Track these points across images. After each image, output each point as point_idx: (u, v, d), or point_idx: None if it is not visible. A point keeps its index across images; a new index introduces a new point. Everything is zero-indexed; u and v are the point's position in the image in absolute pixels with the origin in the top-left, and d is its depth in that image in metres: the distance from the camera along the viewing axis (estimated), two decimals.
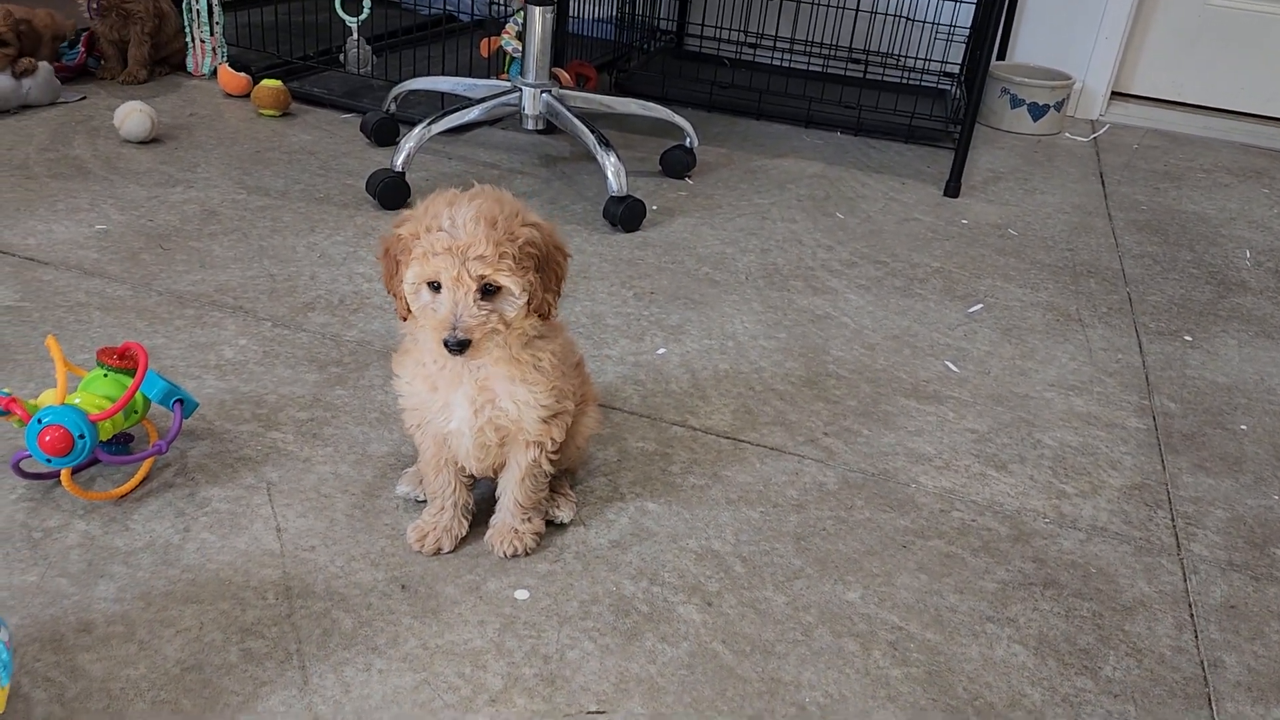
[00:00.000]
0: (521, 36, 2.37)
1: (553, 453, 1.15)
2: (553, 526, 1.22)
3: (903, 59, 3.25)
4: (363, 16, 2.62)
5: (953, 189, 2.44)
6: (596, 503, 1.28)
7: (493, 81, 2.27)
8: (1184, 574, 1.26)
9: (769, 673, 1.06)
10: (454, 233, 0.99)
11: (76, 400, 1.17)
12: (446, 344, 1.00)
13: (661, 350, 1.64)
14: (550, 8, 2.13)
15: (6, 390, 1.15)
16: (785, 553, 1.23)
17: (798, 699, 1.03)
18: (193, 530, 1.16)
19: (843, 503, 1.33)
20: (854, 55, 3.28)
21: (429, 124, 2.07)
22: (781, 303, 1.84)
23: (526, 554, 1.17)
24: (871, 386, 1.60)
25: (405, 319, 1.07)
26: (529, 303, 1.03)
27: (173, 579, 1.09)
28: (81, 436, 1.11)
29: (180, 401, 1.24)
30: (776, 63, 3.30)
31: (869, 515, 1.31)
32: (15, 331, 1.50)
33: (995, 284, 2.01)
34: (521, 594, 1.13)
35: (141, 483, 1.21)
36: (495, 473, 1.18)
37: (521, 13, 2.37)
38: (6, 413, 1.13)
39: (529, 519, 1.18)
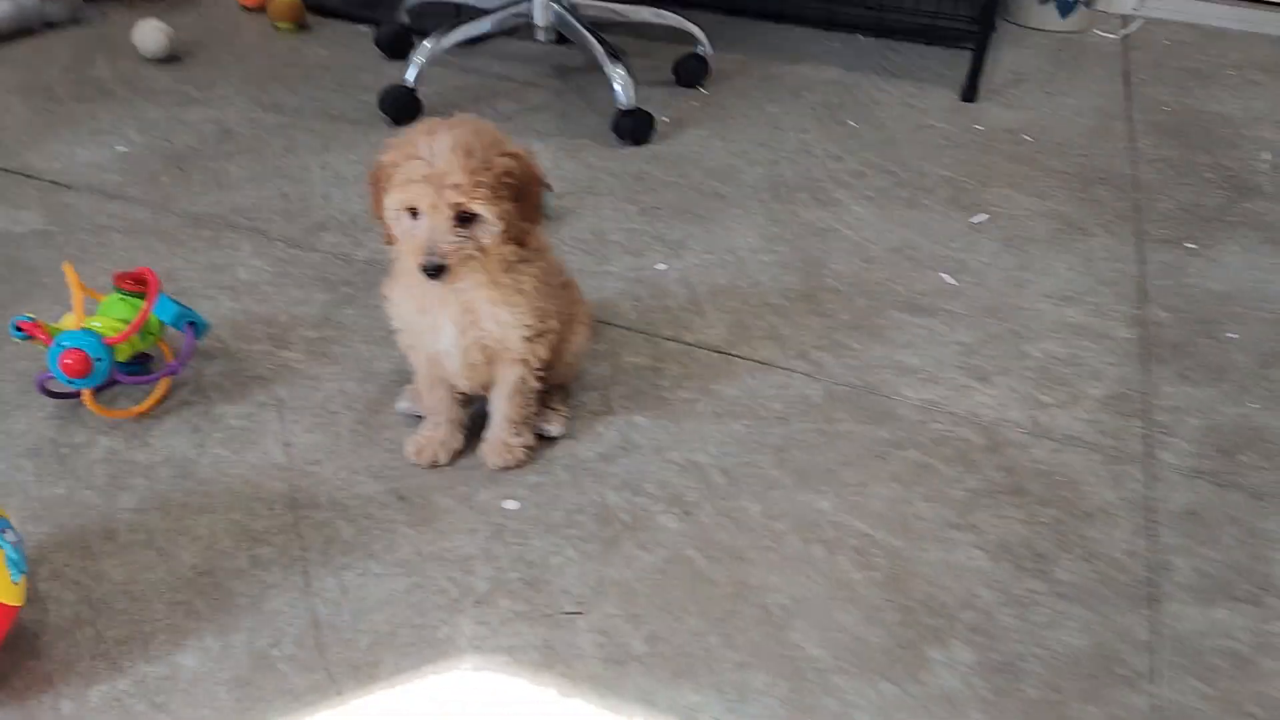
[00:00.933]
0: None
1: (539, 370, 1.21)
2: (544, 439, 1.30)
3: None
4: None
5: (969, 93, 2.42)
6: (588, 417, 1.35)
7: None
8: (1149, 481, 1.31)
9: (738, 577, 1.13)
10: (431, 161, 1.04)
11: (96, 324, 1.25)
12: (424, 268, 1.06)
13: (661, 265, 1.69)
14: None
15: (30, 315, 1.24)
16: (765, 464, 1.29)
17: (763, 601, 1.10)
18: (207, 445, 1.25)
19: (826, 415, 1.38)
20: None
21: (439, 37, 2.09)
22: (786, 216, 1.87)
23: (517, 466, 1.25)
24: (866, 300, 1.64)
25: (390, 244, 1.13)
26: (506, 230, 1.08)
27: (189, 491, 1.19)
28: (99, 359, 1.19)
29: (192, 324, 1.32)
30: None
31: (850, 427, 1.37)
32: (42, 255, 1.59)
33: (1003, 192, 2.01)
34: (511, 504, 1.21)
35: (160, 401, 1.30)
36: (486, 390, 1.25)
37: None
38: (30, 337, 1.22)
39: (519, 433, 1.25)
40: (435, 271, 1.06)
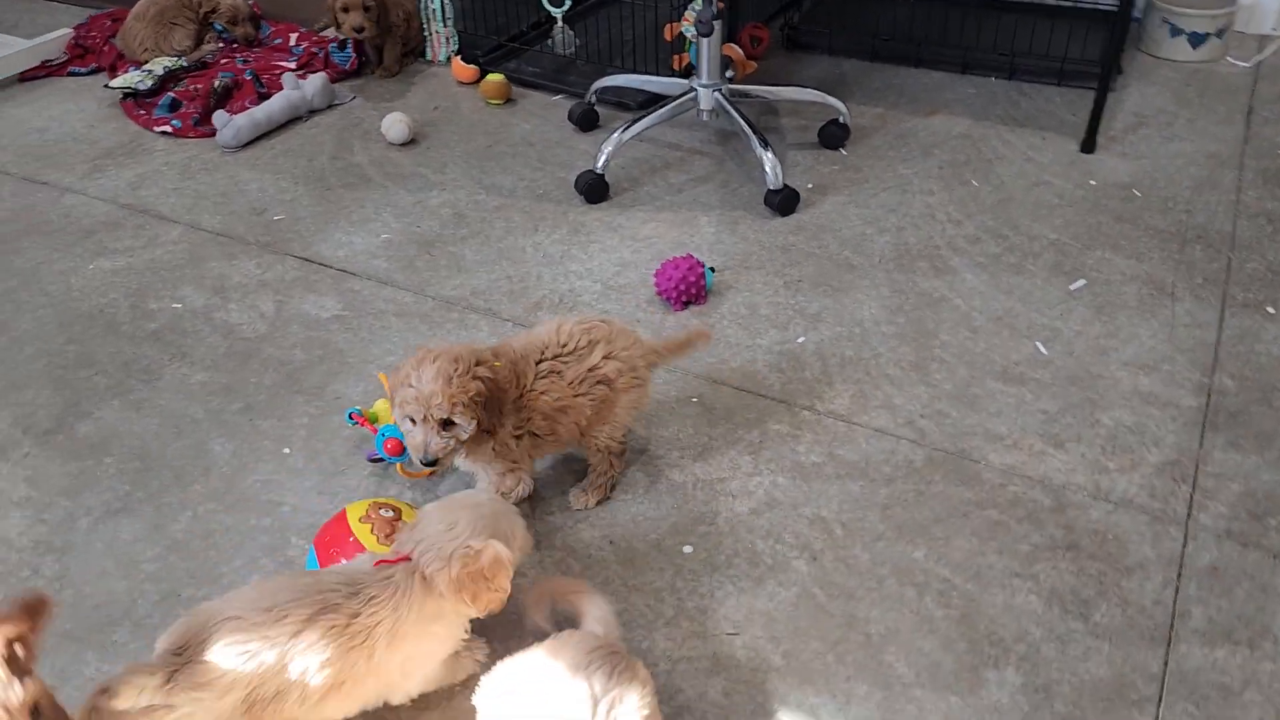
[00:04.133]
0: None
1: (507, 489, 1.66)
2: (717, 497, 1.77)
3: None
4: (565, 8, 3.07)
5: (1088, 145, 2.70)
6: (743, 477, 1.82)
7: (672, 80, 2.70)
8: (1185, 540, 1.67)
9: (848, 611, 1.59)
10: (420, 388, 1.48)
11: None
12: (423, 463, 1.52)
13: (801, 339, 2.12)
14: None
15: (359, 408, 1.80)
16: (873, 520, 1.73)
17: (865, 630, 1.56)
18: None
19: (924, 478, 1.80)
20: None
21: (623, 130, 2.55)
22: (906, 286, 2.26)
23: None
24: (968, 370, 2.03)
25: None
26: (479, 425, 1.51)
27: None
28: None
29: None
30: None
31: (942, 489, 1.78)
32: (343, 338, 2.16)
33: (1104, 256, 2.33)
34: (688, 549, 1.69)
35: None
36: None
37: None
38: (359, 425, 1.78)
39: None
40: (431, 464, 1.52)
